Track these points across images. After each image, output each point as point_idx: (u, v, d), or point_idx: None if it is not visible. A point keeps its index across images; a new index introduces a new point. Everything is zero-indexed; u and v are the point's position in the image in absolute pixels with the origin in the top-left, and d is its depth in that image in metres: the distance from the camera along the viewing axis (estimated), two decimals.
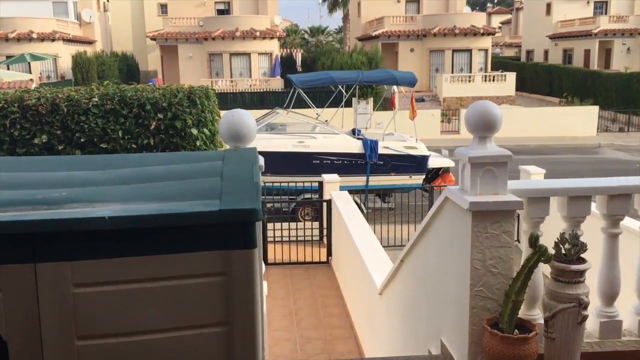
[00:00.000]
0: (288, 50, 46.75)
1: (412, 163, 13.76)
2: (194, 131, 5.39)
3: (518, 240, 5.61)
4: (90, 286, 2.14)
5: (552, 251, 3.09)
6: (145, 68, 44.91)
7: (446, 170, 14.53)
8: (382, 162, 13.64)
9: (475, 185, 3.11)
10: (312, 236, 10.76)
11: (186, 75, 35.22)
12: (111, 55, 36.18)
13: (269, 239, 10.41)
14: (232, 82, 33.68)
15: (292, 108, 14.40)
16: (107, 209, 2.25)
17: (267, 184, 12.36)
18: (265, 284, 5.98)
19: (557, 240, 3.14)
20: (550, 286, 3.11)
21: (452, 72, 35.58)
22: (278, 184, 12.47)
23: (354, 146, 13.57)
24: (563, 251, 3.10)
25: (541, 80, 40.63)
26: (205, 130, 5.46)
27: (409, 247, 4.38)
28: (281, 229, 10.67)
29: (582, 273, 3.06)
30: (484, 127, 3.19)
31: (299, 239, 10.76)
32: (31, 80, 26.93)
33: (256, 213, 2.28)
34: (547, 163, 22.24)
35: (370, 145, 13.49)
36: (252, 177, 2.64)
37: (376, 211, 13.90)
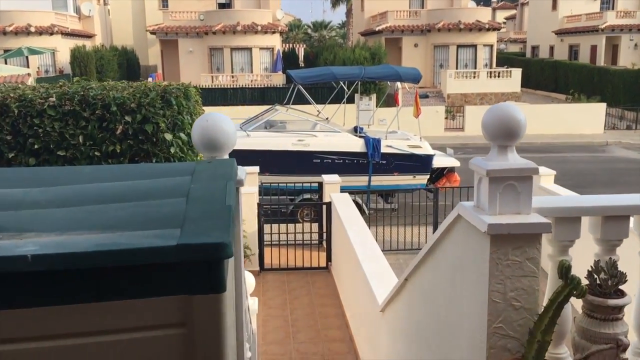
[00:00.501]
0: (290, 45, 46.22)
1: (416, 163, 13.27)
2: (168, 136, 4.76)
3: None
4: (7, 343, 1.67)
5: (584, 281, 2.62)
6: (146, 63, 44.45)
7: (451, 170, 14.04)
8: (384, 162, 13.15)
9: (494, 203, 2.63)
10: (311, 240, 10.31)
11: (186, 70, 34.74)
12: (110, 50, 35.67)
13: (265, 242, 9.94)
14: (233, 77, 33.18)
15: (293, 104, 13.91)
16: (35, 242, 1.77)
17: (264, 184, 11.90)
18: (255, 300, 5.51)
19: (590, 269, 2.66)
20: (582, 323, 2.63)
21: (457, 68, 35.01)
22: (276, 184, 12.00)
23: (356, 145, 13.09)
24: (598, 281, 2.63)
25: (547, 77, 40.03)
26: (182, 135, 4.87)
27: (414, 265, 3.90)
28: (279, 232, 10.20)
29: (620, 309, 2.58)
30: (506, 135, 2.71)
31: (297, 242, 10.30)
32: (28, 74, 26.47)
33: (224, 249, 1.78)
34: (554, 162, 21.71)
35: (373, 144, 13.01)
36: (224, 198, 2.14)
37: (378, 212, 13.43)
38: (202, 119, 2.61)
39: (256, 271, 9.35)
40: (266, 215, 10.45)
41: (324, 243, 10.02)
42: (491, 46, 36.46)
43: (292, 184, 12.58)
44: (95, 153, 4.63)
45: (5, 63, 32.20)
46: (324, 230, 9.87)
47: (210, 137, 2.54)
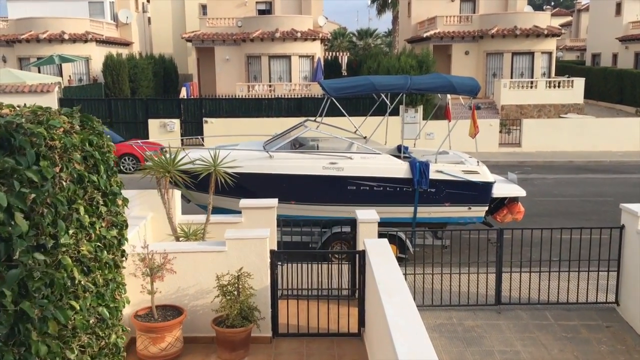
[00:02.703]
0: (333, 54, 44.28)
1: (473, 191, 10.99)
2: None
3: None
4: None
5: None
6: (185, 72, 43.33)
7: (514, 199, 11.68)
8: (434, 190, 10.93)
9: None
10: (339, 289, 8.16)
11: (222, 79, 33.21)
12: (146, 58, 34.44)
13: (282, 293, 7.89)
14: (270, 86, 31.41)
15: (327, 119, 11.83)
16: None
17: (286, 215, 9.91)
18: None
19: None
20: None
21: (512, 77, 32.30)
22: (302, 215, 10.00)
23: (399, 170, 10.91)
24: None
25: (610, 87, 36.78)
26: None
27: None
28: (298, 281, 8.12)
29: None
30: None
31: (323, 291, 8.18)
32: (55, 83, 25.31)
33: None
34: (629, 185, 18.96)
35: (420, 169, 10.80)
36: None
37: (426, 249, 11.23)
38: None
39: (268, 337, 7.30)
40: (284, 254, 8.40)
41: (356, 295, 7.87)
42: (550, 54, 33.59)
43: (322, 215, 10.58)
44: None
45: (39, 71, 31.38)
46: (357, 286, 7.73)
47: None
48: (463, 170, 11.04)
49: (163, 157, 7.62)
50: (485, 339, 8.12)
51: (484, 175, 11.06)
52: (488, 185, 11.04)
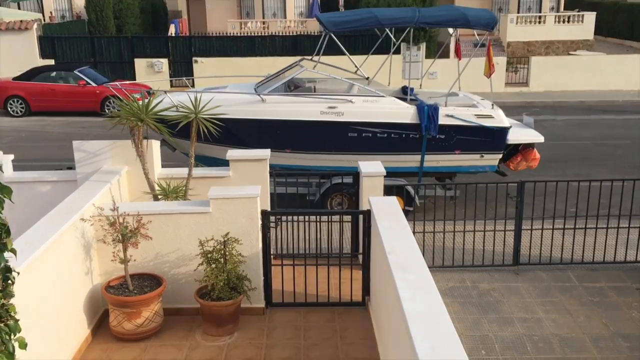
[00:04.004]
0: None
1: (486, 138, 9.97)
2: None
3: None
4: None
5: None
6: (175, 8, 41.17)
7: (529, 145, 10.66)
8: (443, 136, 9.91)
9: None
10: (340, 251, 7.24)
11: (213, 16, 31.46)
12: None
13: (273, 260, 7.00)
14: (264, 23, 29.74)
15: (324, 58, 10.65)
16: None
17: (280, 165, 8.96)
18: None
19: None
20: None
21: (519, 12, 30.61)
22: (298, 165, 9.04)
23: (406, 114, 9.84)
24: None
25: (620, 22, 35.08)
26: None
27: None
28: (294, 243, 7.23)
29: None
30: None
31: (321, 254, 7.23)
32: (34, 20, 23.72)
33: None
34: None
35: (428, 113, 9.74)
36: None
37: (433, 201, 10.33)
38: None
39: (260, 309, 6.44)
40: (279, 214, 7.47)
41: (360, 259, 6.98)
42: None
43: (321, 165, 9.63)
44: None
45: (19, 8, 29.60)
46: (360, 250, 6.81)
47: None
48: (476, 115, 9.99)
49: (135, 102, 6.54)
50: (503, 304, 7.30)
51: (499, 119, 10.01)
52: (503, 131, 10.01)
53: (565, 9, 32.98)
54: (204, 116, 6.77)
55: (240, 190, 6.28)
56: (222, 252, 5.90)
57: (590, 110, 20.27)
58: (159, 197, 6.87)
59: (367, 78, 11.34)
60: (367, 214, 6.36)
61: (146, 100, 6.64)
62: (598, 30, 34.01)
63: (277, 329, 6.20)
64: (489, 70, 10.35)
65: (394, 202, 6.20)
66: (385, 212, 5.92)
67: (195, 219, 6.12)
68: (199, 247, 5.92)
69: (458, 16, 9.98)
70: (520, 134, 10.51)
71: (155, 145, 7.46)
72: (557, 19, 28.59)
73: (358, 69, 11.51)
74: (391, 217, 5.78)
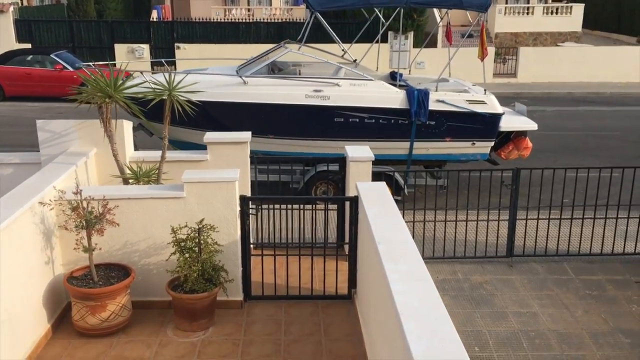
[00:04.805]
0: None
1: (478, 125, 9.57)
2: None
3: None
4: None
5: None
6: None
7: (521, 133, 10.28)
8: (433, 123, 9.48)
9: None
10: (325, 241, 6.78)
11: (197, 3, 30.76)
12: None
13: (253, 250, 6.54)
14: (249, 10, 29.13)
15: (310, 42, 10.17)
16: None
17: (261, 151, 8.49)
18: None
19: None
20: None
21: (507, 3, 30.31)
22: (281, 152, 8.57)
23: (395, 99, 9.40)
24: None
25: (607, 15, 34.96)
26: None
27: None
28: (276, 231, 6.76)
29: None
30: None
31: (305, 243, 6.78)
32: (11, 2, 22.89)
33: None
34: (633, 118, 17.71)
35: (418, 98, 9.30)
36: None
37: (421, 190, 9.94)
38: None
39: (238, 302, 5.97)
40: (260, 200, 7.01)
41: (346, 249, 6.54)
42: None
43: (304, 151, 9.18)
44: None
45: None
46: (346, 239, 6.35)
47: None
48: (467, 100, 9.57)
49: (103, 78, 6.01)
50: (496, 297, 6.91)
51: (492, 105, 9.61)
52: (496, 118, 9.62)
53: (553, 0, 32.77)
54: (179, 93, 6.26)
55: (217, 173, 5.80)
56: (197, 240, 5.42)
57: (579, 102, 20.02)
58: (130, 181, 6.35)
59: (355, 61, 10.88)
60: (355, 200, 5.90)
61: (116, 77, 6.11)
62: (585, 23, 33.89)
63: (255, 324, 5.73)
64: (482, 54, 9.94)
65: (383, 187, 5.76)
66: (374, 198, 5.47)
67: (167, 204, 5.62)
68: (172, 234, 5.43)
69: None
70: (512, 121, 10.13)
71: (127, 126, 6.94)
72: (545, 10, 28.36)
73: (345, 52, 11.04)
74: (381, 203, 5.34)
